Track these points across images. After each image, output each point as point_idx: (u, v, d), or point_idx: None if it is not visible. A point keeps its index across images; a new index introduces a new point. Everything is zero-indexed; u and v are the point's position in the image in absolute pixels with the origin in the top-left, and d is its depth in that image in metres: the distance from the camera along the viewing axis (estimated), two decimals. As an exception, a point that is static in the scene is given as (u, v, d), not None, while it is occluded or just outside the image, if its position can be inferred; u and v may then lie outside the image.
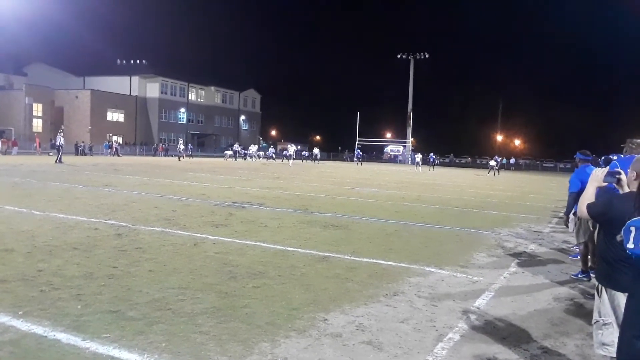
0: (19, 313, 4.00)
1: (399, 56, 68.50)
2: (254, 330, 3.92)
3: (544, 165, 62.78)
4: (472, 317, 4.55)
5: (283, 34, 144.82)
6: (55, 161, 27.73)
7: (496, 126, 79.56)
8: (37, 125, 55.49)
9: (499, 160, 38.00)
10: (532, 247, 8.27)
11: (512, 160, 63.02)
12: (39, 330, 3.69)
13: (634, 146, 5.43)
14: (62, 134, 31.55)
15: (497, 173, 35.87)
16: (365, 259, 6.58)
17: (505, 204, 15.60)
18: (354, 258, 6.62)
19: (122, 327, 3.81)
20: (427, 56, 67.23)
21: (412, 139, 68.05)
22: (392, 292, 5.14)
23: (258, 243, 7.27)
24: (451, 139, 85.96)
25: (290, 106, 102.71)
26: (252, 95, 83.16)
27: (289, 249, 7.01)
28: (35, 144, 45.79)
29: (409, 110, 68.05)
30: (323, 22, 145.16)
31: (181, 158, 41.96)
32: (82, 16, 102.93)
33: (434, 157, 48.23)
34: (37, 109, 55.44)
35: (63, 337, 3.59)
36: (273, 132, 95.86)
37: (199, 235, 7.65)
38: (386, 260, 6.55)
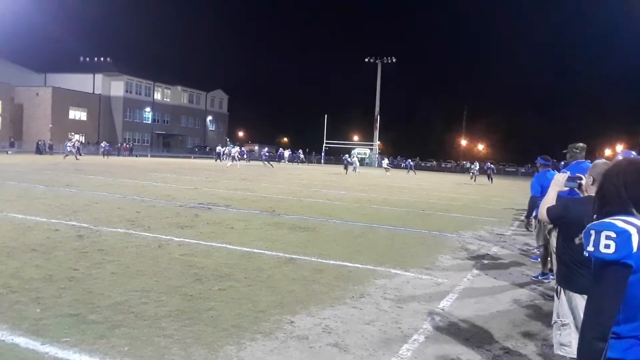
0: (-25, 317, 3.86)
1: (366, 60, 69.10)
2: (219, 333, 3.88)
3: (506, 169, 64.22)
4: (437, 318, 4.62)
5: (251, 35, 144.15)
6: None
7: (461, 130, 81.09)
8: (-5, 122, 53.55)
9: (478, 166, 36.24)
10: (494, 250, 8.45)
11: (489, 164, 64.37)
12: (-5, 334, 3.58)
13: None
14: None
15: (476, 179, 35.77)
16: (332, 261, 6.60)
17: (469, 207, 15.90)
18: (321, 260, 6.64)
19: (82, 331, 3.72)
20: (394, 60, 68.03)
21: (379, 142, 68.70)
22: (359, 294, 5.17)
23: (224, 245, 7.21)
24: (417, 142, 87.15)
25: (258, 108, 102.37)
26: (220, 95, 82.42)
27: (255, 251, 6.97)
28: (-8, 142, 44.21)
29: (376, 113, 68.67)
30: (292, 24, 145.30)
31: (75, 157, 35.67)
32: (44, 10, 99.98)
33: (411, 162, 48.10)
34: (-5, 105, 53.52)
35: (21, 341, 3.49)
36: (240, 134, 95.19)
37: (163, 236, 7.54)
38: (353, 263, 6.59)
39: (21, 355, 3.29)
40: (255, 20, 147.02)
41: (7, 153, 41.13)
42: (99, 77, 63.75)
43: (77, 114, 59.82)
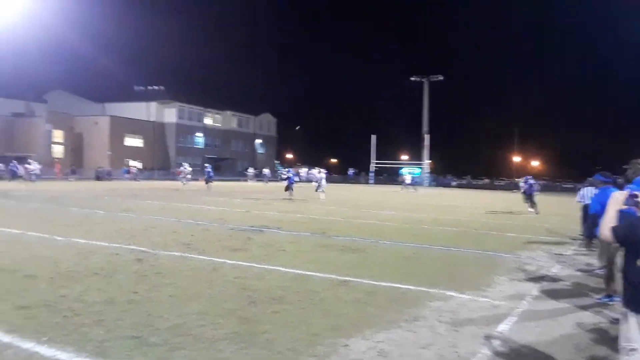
0: (43, 339, 4.04)
1: (412, 79, 68.82)
2: (275, 356, 3.90)
3: (563, 186, 61.98)
4: (495, 342, 4.48)
5: (298, 58, 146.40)
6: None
7: (513, 147, 79.11)
8: (57, 151, 56.50)
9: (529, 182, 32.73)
10: (554, 270, 8.14)
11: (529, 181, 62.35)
12: (63, 356, 3.73)
13: None
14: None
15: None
16: (383, 283, 6.54)
17: (524, 226, 15.42)
18: (373, 282, 6.58)
19: (144, 353, 3.83)
20: (441, 78, 67.46)
21: (429, 161, 67.86)
22: (413, 317, 5.09)
23: (276, 267, 7.28)
24: (468, 160, 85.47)
25: (306, 129, 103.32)
26: (268, 119, 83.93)
27: (307, 273, 6.99)
28: (55, 170, 46.58)
29: (423, 132, 68.04)
30: (338, 46, 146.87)
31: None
32: (100, 44, 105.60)
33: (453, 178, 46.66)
34: (57, 135, 56.52)
35: (86, 363, 3.62)
36: (289, 155, 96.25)
37: (217, 259, 7.68)
38: (405, 284, 6.50)
39: (87, 376, 3.42)
40: (301, 44, 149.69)
41: (69, 180, 43.14)
42: (152, 105, 66.31)
43: (133, 141, 62.23)
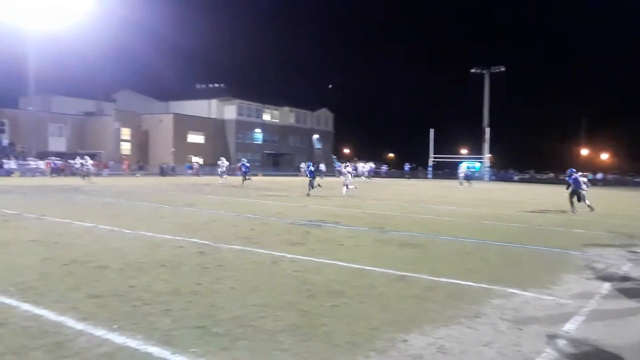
0: (114, 327, 4.25)
1: (472, 71, 67.06)
2: (334, 349, 3.94)
3: (635, 180, 58.65)
4: (561, 342, 4.33)
5: (354, 53, 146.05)
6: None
7: (580, 140, 75.67)
8: (125, 148, 59.16)
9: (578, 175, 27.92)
10: (625, 269, 7.75)
11: (600, 176, 59.42)
12: (132, 343, 3.91)
13: None
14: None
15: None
16: (443, 279, 6.45)
17: (593, 221, 14.73)
18: (432, 278, 6.50)
19: (208, 343, 3.96)
20: (502, 70, 65.34)
21: (490, 155, 66.01)
22: (474, 314, 5.00)
23: (335, 262, 7.32)
24: (531, 154, 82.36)
25: (363, 124, 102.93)
26: (325, 114, 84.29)
27: (366, 268, 7.00)
28: (123, 166, 48.80)
29: (484, 125, 66.24)
30: (395, 38, 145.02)
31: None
32: (165, 45, 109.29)
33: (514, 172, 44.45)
34: (125, 132, 59.17)
35: (154, 350, 3.79)
36: (346, 150, 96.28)
37: (277, 253, 7.82)
38: (465, 281, 6.38)
39: (155, 363, 3.58)
40: (356, 38, 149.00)
41: (136, 176, 45.09)
42: (213, 102, 68.15)
43: (195, 138, 64.20)
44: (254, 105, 71.30)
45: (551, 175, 66.63)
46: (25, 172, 39.55)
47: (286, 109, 76.62)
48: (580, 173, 18.30)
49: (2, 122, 51.88)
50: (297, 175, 53.10)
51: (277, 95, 76.76)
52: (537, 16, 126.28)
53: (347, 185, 22.92)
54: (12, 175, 37.40)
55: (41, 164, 39.60)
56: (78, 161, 34.87)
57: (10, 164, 39.92)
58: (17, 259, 6.91)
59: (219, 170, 33.73)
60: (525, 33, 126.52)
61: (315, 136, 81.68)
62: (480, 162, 65.59)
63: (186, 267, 6.69)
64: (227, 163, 35.43)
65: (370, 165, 57.88)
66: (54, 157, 43.13)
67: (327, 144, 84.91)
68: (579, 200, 17.44)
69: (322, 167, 54.34)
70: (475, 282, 6.32)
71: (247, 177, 30.87)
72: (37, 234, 9.07)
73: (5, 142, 49.24)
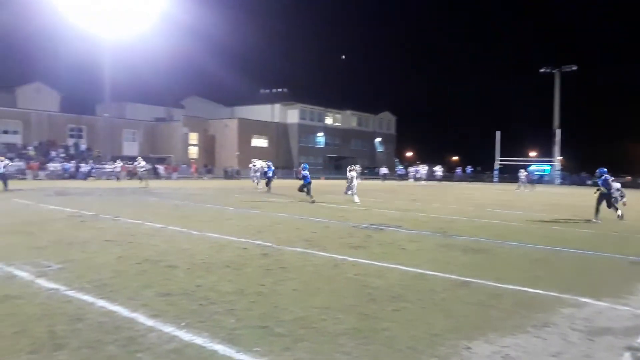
0: (182, 324, 4.43)
1: (541, 70, 64.46)
2: (395, 354, 3.92)
3: None
4: (636, 355, 4.10)
5: (417, 54, 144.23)
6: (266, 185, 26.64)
7: (661, 141, 70.93)
8: (193, 152, 61.33)
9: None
10: None
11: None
12: (198, 340, 4.06)
13: None
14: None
15: None
16: (509, 286, 6.25)
17: (675, 228, 13.78)
18: (498, 284, 6.32)
19: (270, 342, 4.05)
20: (574, 69, 62.39)
21: (560, 158, 63.16)
22: (542, 323, 4.82)
23: (396, 266, 7.27)
24: (606, 157, 78.00)
25: (426, 127, 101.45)
26: (387, 117, 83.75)
27: (428, 272, 6.90)
28: (191, 169, 50.60)
29: (554, 127, 63.50)
30: (458, 39, 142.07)
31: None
32: (229, 52, 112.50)
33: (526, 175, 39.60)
34: (193, 137, 61.34)
35: (220, 348, 3.91)
36: (409, 154, 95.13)
37: (338, 256, 7.86)
38: (533, 289, 6.16)
39: (220, 360, 3.70)
40: (420, 40, 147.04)
41: (203, 179, 46.61)
42: (276, 106, 69.42)
43: (259, 141, 65.59)
44: (316, 109, 71.96)
45: (628, 178, 62.88)
46: (101, 175, 41.81)
47: (348, 112, 76.77)
48: (609, 174, 15.38)
49: (80, 128, 55.11)
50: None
51: (339, 99, 77.12)
52: (610, 13, 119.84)
53: (352, 190, 20.40)
54: (89, 178, 39.62)
55: (118, 167, 41.64)
56: (137, 163, 36.07)
57: (87, 167, 42.29)
58: (94, 257, 7.33)
59: (251, 174, 30.26)
60: (597, 31, 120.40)
61: (378, 139, 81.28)
62: (550, 165, 62.92)
63: (250, 268, 6.86)
64: (260, 165, 29.63)
65: (430, 168, 57.04)
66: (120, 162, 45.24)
67: (390, 147, 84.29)
68: (608, 206, 15.25)
69: (384, 170, 54.05)
70: (544, 290, 6.09)
71: (270, 182, 26.35)
72: (112, 234, 9.57)
73: (83, 146, 52.22)
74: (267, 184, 26.23)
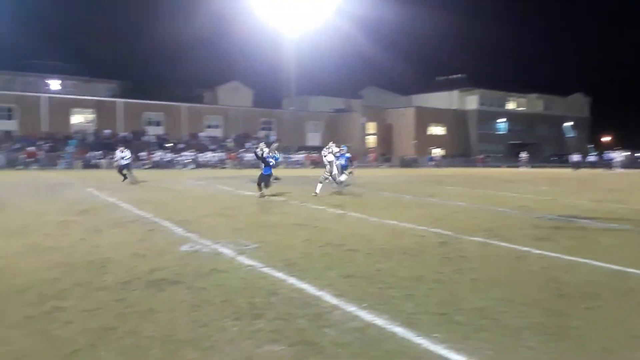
0: (363, 305, 4.66)
1: None
2: (587, 354, 3.66)
3: None
4: None
5: (614, 28, 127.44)
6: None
7: None
8: (371, 141, 62.84)
9: None
10: None
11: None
12: (378, 322, 4.25)
13: None
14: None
15: None
16: None
17: None
18: None
19: (449, 330, 4.07)
20: None
21: None
22: None
23: (588, 261, 6.66)
24: None
25: (627, 108, 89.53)
26: (579, 99, 75.97)
27: (627, 270, 6.19)
28: (370, 158, 51.98)
29: None
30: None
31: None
32: (405, 42, 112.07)
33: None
34: (371, 126, 62.81)
35: (399, 331, 4.05)
36: (606, 138, 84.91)
37: (521, 248, 7.47)
38: None
39: (399, 343, 3.84)
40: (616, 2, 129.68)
41: (380, 167, 47.53)
42: (454, 93, 67.55)
43: (436, 129, 64.59)
44: (497, 94, 68.34)
45: None
46: (289, 164, 45.17)
47: (533, 95, 71.44)
48: None
49: (270, 121, 60.11)
50: (547, 167, 49.10)
51: (523, 82, 72.07)
52: None
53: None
54: (277, 167, 43.12)
55: (301, 156, 44.73)
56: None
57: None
58: (283, 239, 8.04)
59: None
60: None
61: (568, 124, 74.16)
62: None
63: (428, 255, 6.89)
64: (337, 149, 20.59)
65: (631, 154, 50.28)
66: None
67: (582, 132, 76.33)
68: None
69: (576, 157, 49.19)
70: None
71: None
72: (298, 219, 10.37)
73: (273, 138, 56.93)
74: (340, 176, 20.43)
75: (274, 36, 47.15)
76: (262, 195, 14.18)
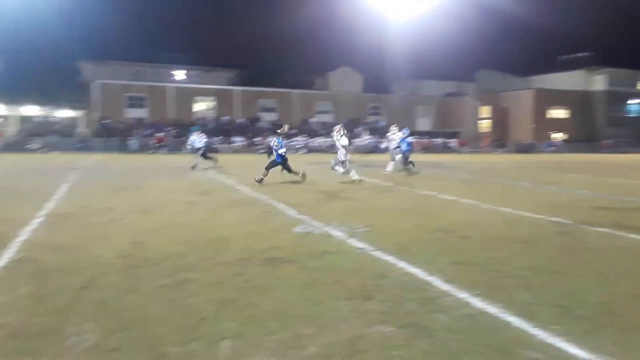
0: (475, 292, 4.57)
1: None
2: None
3: None
4: None
5: None
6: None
7: None
8: (484, 125, 60.27)
9: None
10: None
11: None
12: (491, 310, 4.15)
13: None
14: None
15: None
16: None
17: None
18: None
19: (569, 323, 3.88)
20: None
21: None
22: None
23: None
24: None
25: None
26: None
27: None
28: (483, 143, 49.96)
29: None
30: None
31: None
32: (522, 20, 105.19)
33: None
34: (484, 110, 60.18)
35: (513, 320, 3.93)
36: None
37: (655, 241, 6.85)
38: None
39: (514, 332, 3.73)
40: None
41: (495, 153, 45.50)
42: (579, 73, 62.39)
43: (557, 113, 60.33)
44: (628, 72, 62.10)
45: None
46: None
47: (674, 72, 64.04)
48: None
49: (379, 106, 59.80)
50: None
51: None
52: None
53: (345, 166, 14.49)
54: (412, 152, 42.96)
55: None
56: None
57: (383, 142, 45.83)
58: (393, 223, 8.06)
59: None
60: None
61: None
62: None
63: (546, 245, 6.56)
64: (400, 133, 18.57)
65: None
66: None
67: None
68: None
69: None
70: None
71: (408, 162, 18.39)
72: (408, 204, 10.31)
73: (382, 123, 56.62)
74: (406, 163, 18.34)
75: (384, 20, 46.64)
76: (260, 180, 13.63)
